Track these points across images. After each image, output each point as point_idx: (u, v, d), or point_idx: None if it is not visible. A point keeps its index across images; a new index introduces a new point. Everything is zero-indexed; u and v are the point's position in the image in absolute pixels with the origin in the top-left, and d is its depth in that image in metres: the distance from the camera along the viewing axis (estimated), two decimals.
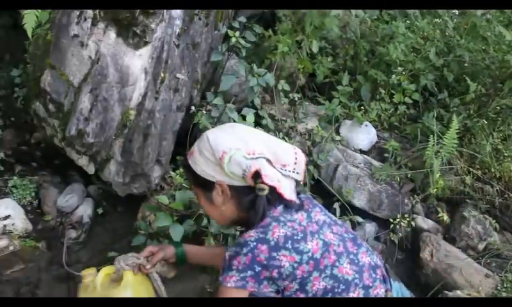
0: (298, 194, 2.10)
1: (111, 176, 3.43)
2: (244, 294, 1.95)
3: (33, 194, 3.72)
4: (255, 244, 1.89)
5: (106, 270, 2.31)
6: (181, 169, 3.45)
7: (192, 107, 3.56)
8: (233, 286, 1.91)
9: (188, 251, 2.49)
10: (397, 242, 3.79)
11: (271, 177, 1.93)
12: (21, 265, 3.23)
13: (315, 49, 4.24)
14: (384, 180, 3.98)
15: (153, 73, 3.25)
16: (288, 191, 1.99)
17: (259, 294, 1.96)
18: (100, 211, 3.71)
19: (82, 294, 2.27)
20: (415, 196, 3.97)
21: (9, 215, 3.44)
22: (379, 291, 2.07)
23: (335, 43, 4.84)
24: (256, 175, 1.94)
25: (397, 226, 3.75)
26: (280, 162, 1.98)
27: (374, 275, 2.06)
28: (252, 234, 1.92)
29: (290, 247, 1.89)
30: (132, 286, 2.24)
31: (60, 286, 3.17)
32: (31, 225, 3.53)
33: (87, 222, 3.61)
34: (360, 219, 3.78)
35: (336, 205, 3.79)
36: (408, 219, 3.75)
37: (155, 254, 2.42)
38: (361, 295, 2.01)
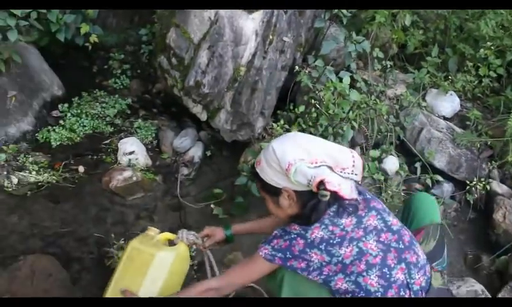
0: (360, 193, 2.00)
1: (221, 123, 3.44)
2: (271, 266, 1.94)
3: (153, 135, 3.77)
4: (295, 236, 1.88)
5: (167, 234, 2.35)
6: (281, 121, 3.44)
7: (296, 67, 3.52)
8: (262, 256, 1.92)
9: (235, 230, 2.44)
10: (471, 202, 3.68)
11: (333, 183, 1.86)
12: (141, 193, 3.32)
13: (407, 22, 4.12)
14: (464, 145, 3.84)
15: (263, 35, 3.23)
16: (348, 192, 1.92)
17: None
18: (208, 153, 3.70)
19: (140, 238, 2.33)
20: (493, 162, 3.81)
21: (133, 151, 3.51)
22: None
23: (426, 18, 4.64)
24: (320, 183, 1.86)
25: (473, 188, 3.63)
26: (339, 166, 1.90)
27: (402, 294, 1.89)
28: (297, 227, 1.89)
29: (323, 248, 1.84)
30: (178, 254, 2.25)
31: (172, 214, 3.26)
32: (150, 161, 3.58)
33: (197, 162, 3.63)
34: (439, 178, 3.69)
35: (417, 165, 3.72)
36: (483, 183, 3.57)
37: (209, 237, 2.40)
38: None
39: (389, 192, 3.36)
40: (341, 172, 1.90)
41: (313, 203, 1.88)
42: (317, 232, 1.86)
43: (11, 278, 2.37)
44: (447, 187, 3.73)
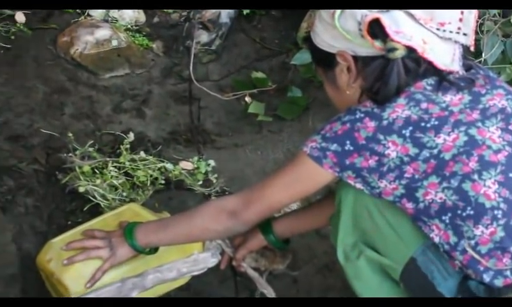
0: (470, 68, 1.97)
1: None
2: (320, 173, 1.94)
3: None
4: (362, 115, 1.85)
5: None
6: None
7: None
8: (307, 153, 1.90)
9: (281, 230, 2.42)
10: None
11: (407, 35, 1.83)
12: (125, 69, 3.31)
13: None
14: None
15: None
16: (443, 58, 1.89)
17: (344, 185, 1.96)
18: (245, 11, 3.65)
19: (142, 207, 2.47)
20: None
21: None
22: None
23: None
24: (378, 29, 1.82)
25: None
26: (435, 20, 1.88)
27: None
28: (368, 104, 1.88)
29: (407, 134, 1.82)
30: None
31: (177, 108, 3.22)
32: (144, 16, 3.58)
33: (225, 23, 3.58)
34: None
35: None
36: None
37: (237, 248, 2.44)
38: (496, 237, 1.79)
39: None
40: (438, 29, 1.89)
41: (378, 65, 1.87)
42: (400, 111, 1.84)
43: None
44: None
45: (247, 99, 3.20)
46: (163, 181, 2.65)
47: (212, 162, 2.79)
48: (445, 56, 1.89)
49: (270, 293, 2.40)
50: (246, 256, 2.45)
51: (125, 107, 3.12)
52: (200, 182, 2.77)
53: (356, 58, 1.91)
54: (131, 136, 2.73)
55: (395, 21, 1.83)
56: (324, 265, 2.69)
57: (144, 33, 3.47)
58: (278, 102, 3.20)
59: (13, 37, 3.20)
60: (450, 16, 1.90)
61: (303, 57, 3.10)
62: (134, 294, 2.04)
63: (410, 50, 1.83)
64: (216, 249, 2.35)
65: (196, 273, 2.15)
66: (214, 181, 2.74)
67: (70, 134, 2.71)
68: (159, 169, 2.67)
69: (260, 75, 3.27)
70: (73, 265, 2.10)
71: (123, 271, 2.13)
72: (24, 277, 2.21)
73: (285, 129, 3.06)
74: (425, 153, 1.80)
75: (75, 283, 2.07)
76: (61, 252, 2.13)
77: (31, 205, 2.58)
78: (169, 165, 2.70)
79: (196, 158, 2.81)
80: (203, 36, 3.49)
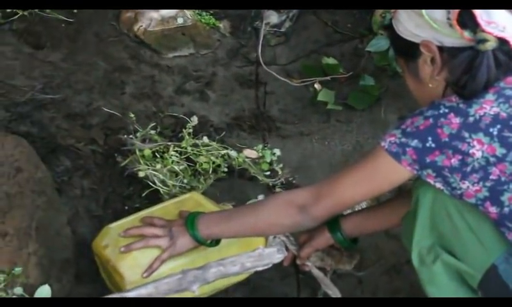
0: None
1: None
2: (398, 170, 1.91)
3: None
4: (446, 111, 1.83)
5: None
6: None
7: None
8: (385, 148, 1.89)
9: (350, 229, 2.38)
10: None
11: (500, 25, 1.80)
12: (190, 48, 3.31)
13: None
14: None
15: None
16: None
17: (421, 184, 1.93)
18: None
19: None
20: None
21: None
22: None
23: None
24: (468, 19, 1.80)
25: None
26: None
27: None
28: (453, 99, 1.85)
29: (494, 133, 1.78)
30: None
31: (242, 92, 3.20)
32: None
33: None
34: None
35: None
36: None
37: (302, 246, 2.42)
38: None
39: None
40: None
41: (466, 57, 1.84)
42: (488, 107, 1.80)
43: None
44: None
45: (316, 86, 3.15)
46: (226, 169, 2.60)
47: (277, 151, 2.72)
48: None
49: (335, 293, 2.38)
50: (311, 254, 2.42)
51: (188, 89, 3.11)
52: (267, 172, 2.72)
53: (441, 49, 1.88)
54: (195, 120, 2.67)
55: (487, 10, 1.80)
56: (392, 266, 2.64)
57: (211, 11, 3.44)
58: (349, 90, 3.15)
59: (75, 10, 3.17)
60: None
61: (379, 43, 3.09)
62: (195, 287, 1.99)
63: (502, 42, 1.79)
64: (280, 245, 2.31)
65: (260, 268, 2.10)
66: (279, 171, 2.67)
67: (132, 115, 2.71)
68: (222, 156, 2.61)
69: (331, 61, 3.22)
70: (130, 252, 2.07)
71: (182, 263, 2.09)
72: (78, 263, 2.19)
73: (355, 119, 3.01)
74: None
75: (132, 272, 2.06)
76: (119, 239, 2.12)
77: (87, 188, 2.59)
78: (233, 153, 2.63)
79: (260, 146, 2.73)
80: (273, 17, 3.46)
